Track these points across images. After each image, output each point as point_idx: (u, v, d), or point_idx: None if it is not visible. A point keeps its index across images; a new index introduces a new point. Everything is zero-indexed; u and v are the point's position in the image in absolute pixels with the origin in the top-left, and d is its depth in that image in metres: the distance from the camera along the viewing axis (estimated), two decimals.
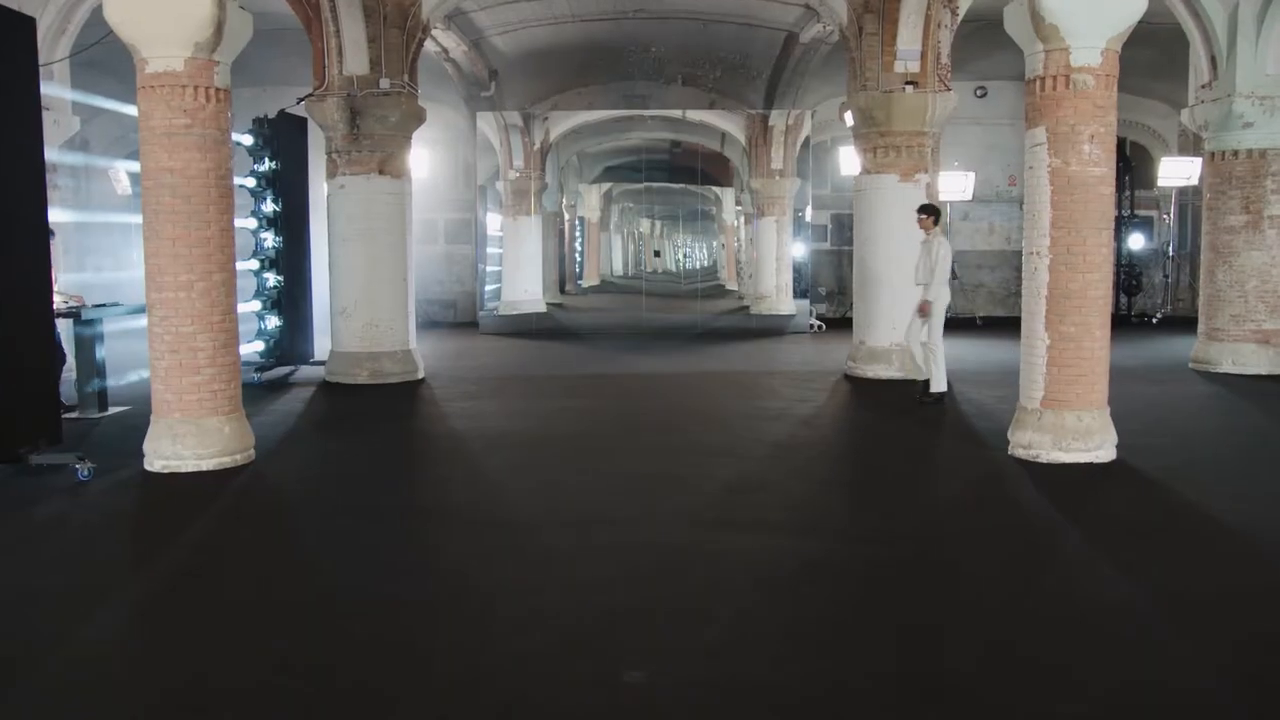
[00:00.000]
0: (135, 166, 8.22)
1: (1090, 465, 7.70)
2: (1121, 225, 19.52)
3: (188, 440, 7.65)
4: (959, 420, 9.93)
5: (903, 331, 12.08)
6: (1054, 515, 6.62)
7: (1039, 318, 7.87)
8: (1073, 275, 7.69)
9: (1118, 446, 7.92)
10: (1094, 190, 7.64)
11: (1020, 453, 7.98)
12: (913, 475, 7.82)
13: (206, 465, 7.68)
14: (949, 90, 12.20)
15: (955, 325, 18.27)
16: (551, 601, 5.00)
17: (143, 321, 7.92)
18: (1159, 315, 20.26)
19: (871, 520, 6.57)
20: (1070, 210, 7.65)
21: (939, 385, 10.75)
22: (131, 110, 7.97)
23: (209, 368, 7.72)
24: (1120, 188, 19.01)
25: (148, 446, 7.76)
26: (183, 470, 7.63)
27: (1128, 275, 20.28)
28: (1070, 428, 7.75)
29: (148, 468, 7.71)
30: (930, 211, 10.77)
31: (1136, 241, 20.52)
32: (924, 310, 10.68)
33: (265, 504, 7.14)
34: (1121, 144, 19.09)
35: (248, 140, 12.21)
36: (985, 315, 20.29)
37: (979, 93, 20.26)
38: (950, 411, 10.40)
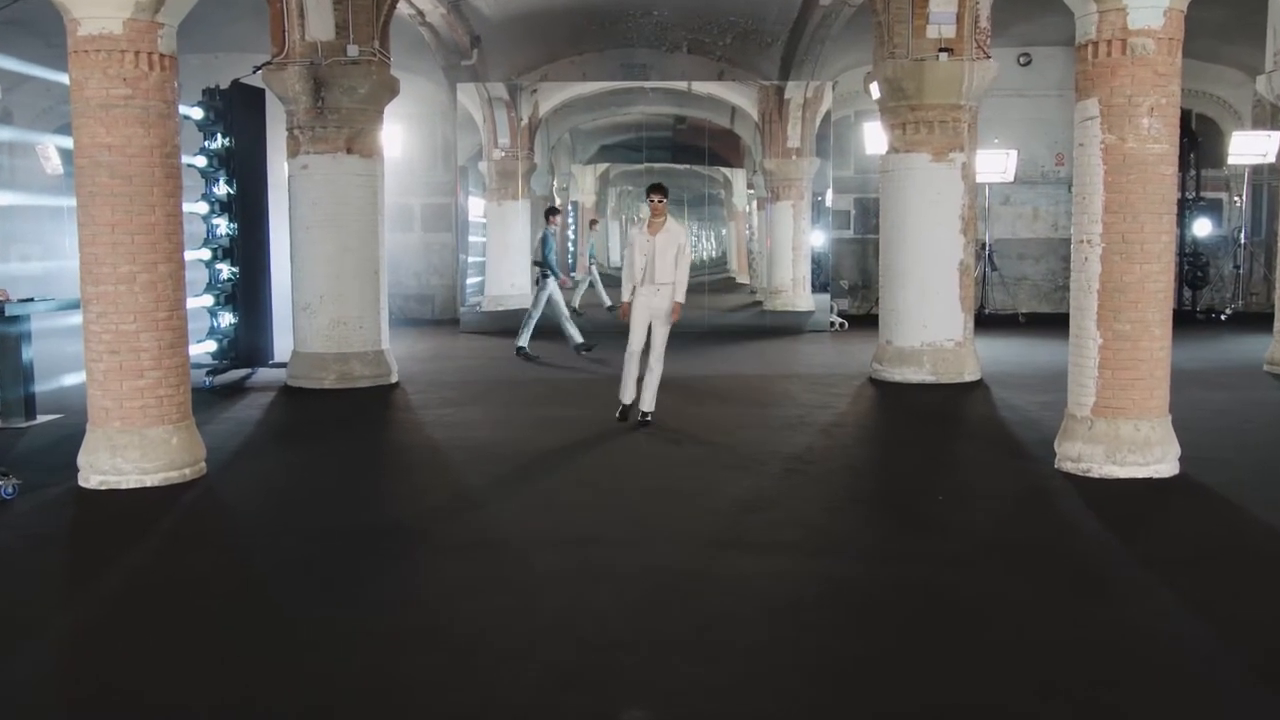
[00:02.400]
0: (67, 142, 8.19)
1: (1149, 481, 7.67)
2: (1185, 209, 19.48)
3: (129, 452, 7.61)
4: (999, 430, 9.91)
5: (934, 330, 12.07)
6: (1107, 537, 6.60)
7: (1090, 314, 7.84)
8: (1129, 266, 7.65)
9: (1180, 460, 7.88)
10: (1153, 170, 7.60)
11: (1069, 466, 7.95)
12: (946, 491, 7.79)
13: (151, 481, 7.64)
14: (988, 58, 12.16)
15: (995, 323, 18.32)
16: (542, 632, 4.98)
17: (77, 318, 7.90)
18: (1228, 311, 20.21)
19: (900, 541, 6.55)
20: (1126, 193, 7.61)
21: None
22: (62, 78, 7.93)
23: (154, 371, 7.69)
24: (1184, 167, 18.95)
25: (83, 460, 7.72)
26: (123, 486, 7.59)
27: (1192, 266, 20.22)
28: (1126, 438, 7.71)
29: (83, 484, 7.67)
30: None
31: (1202, 228, 20.44)
32: None
33: (217, 524, 7.11)
34: (1186, 117, 18.98)
35: (197, 114, 12.16)
36: (1028, 312, 20.25)
37: (1023, 60, 20.22)
38: (989, 420, 10.37)
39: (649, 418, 9.79)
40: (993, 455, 8.96)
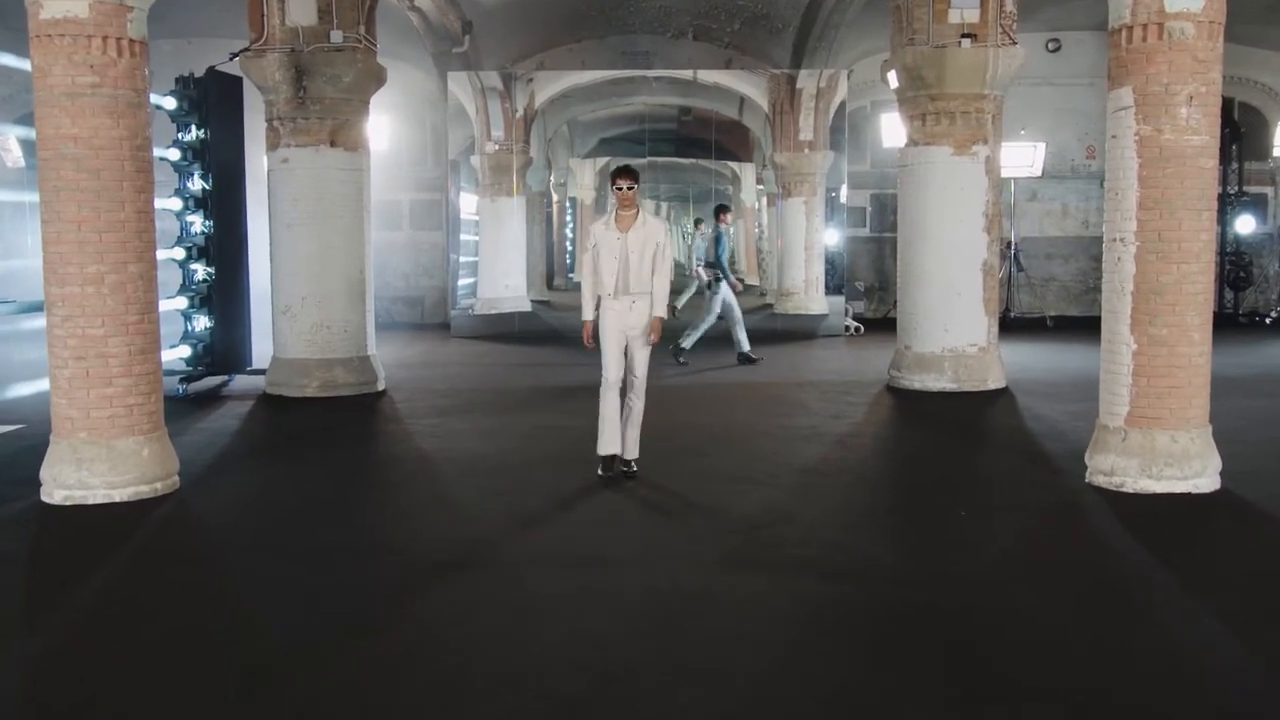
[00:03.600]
0: (30, 133, 8.15)
1: (1187, 496, 7.63)
2: (1226, 205, 19.45)
3: (96, 466, 7.58)
4: (1026, 441, 9.88)
5: (956, 335, 12.03)
6: (1143, 556, 6.56)
7: (1123, 318, 7.80)
8: (1165, 266, 7.62)
9: (1221, 473, 7.84)
10: (1192, 163, 7.57)
11: (1101, 480, 7.91)
12: (970, 507, 7.76)
13: (120, 495, 7.61)
14: (1014, 44, 12.14)
15: (1021, 327, 18.30)
16: (537, 658, 4.95)
17: (41, 322, 7.86)
18: (1274, 314, 20.17)
19: (921, 560, 6.52)
20: (1163, 188, 7.58)
21: None
22: (24, 65, 7.90)
23: (123, 378, 7.66)
24: (1225, 160, 18.93)
25: (46, 473, 7.69)
26: (90, 502, 7.56)
27: (1234, 266, 20.19)
28: (1162, 451, 7.67)
29: (46, 499, 7.64)
30: None
31: (1245, 225, 20.39)
32: None
33: (191, 542, 7.08)
34: (1228, 106, 19.01)
35: (170, 104, 12.15)
36: (1057, 315, 20.24)
37: (1051, 46, 20.21)
38: (1015, 431, 10.35)
39: (634, 468, 8.25)
40: (1019, 468, 8.93)
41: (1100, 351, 8.10)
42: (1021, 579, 6.14)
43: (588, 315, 8.16)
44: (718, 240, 14.57)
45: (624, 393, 8.17)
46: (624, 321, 8.00)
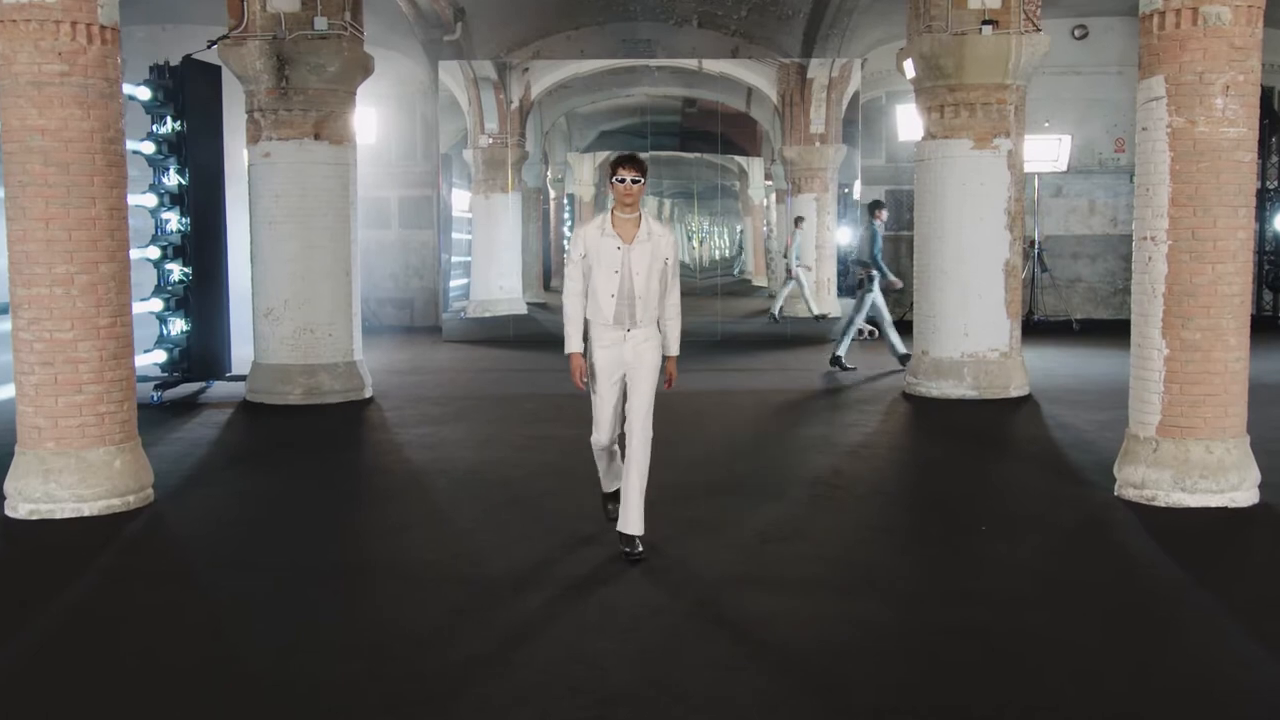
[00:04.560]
0: None
1: (1224, 510, 7.60)
2: (1265, 202, 19.42)
3: (65, 477, 7.57)
4: (1051, 452, 9.87)
5: (977, 339, 11.99)
6: (1177, 574, 6.54)
7: (1154, 321, 7.78)
8: (1199, 267, 7.59)
9: (1260, 486, 7.82)
10: (1228, 157, 7.54)
11: (1130, 493, 7.89)
12: (991, 522, 7.72)
13: (90, 509, 7.59)
14: (1038, 30, 12.12)
15: (1047, 330, 18.28)
16: (533, 682, 4.93)
17: (5, 325, 7.85)
18: None
19: (940, 579, 6.51)
20: (1196, 183, 7.56)
21: None
22: None
23: (94, 385, 7.65)
24: (1264, 153, 18.90)
25: (10, 486, 7.68)
26: (58, 516, 7.54)
27: (1273, 266, 20.16)
28: (1196, 462, 7.65)
29: (10, 514, 7.63)
30: None
31: None
32: None
33: (166, 559, 7.06)
34: (1267, 96, 18.92)
35: (144, 94, 12.15)
36: (1083, 318, 20.20)
37: (1078, 33, 20.19)
38: (1040, 441, 10.33)
39: (639, 548, 6.67)
40: (1044, 481, 8.91)
41: (1130, 357, 8.07)
42: (1047, 598, 6.11)
43: (574, 346, 6.67)
44: (873, 238, 14.48)
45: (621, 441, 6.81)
46: (623, 357, 6.62)
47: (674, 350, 6.80)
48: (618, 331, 6.57)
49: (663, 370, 6.72)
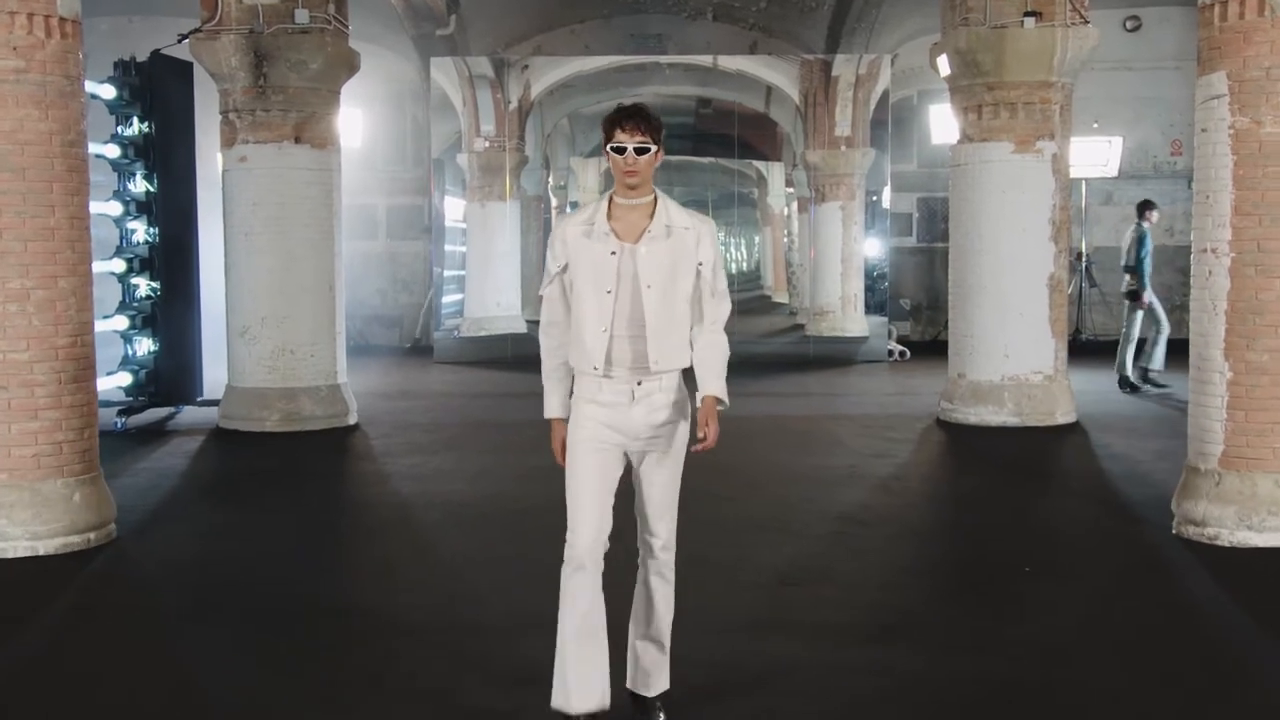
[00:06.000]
0: None
1: None
2: None
3: (18, 512, 7.53)
4: (1101, 485, 9.86)
5: (1018, 360, 11.95)
6: (1243, 621, 6.49)
7: (1215, 341, 7.75)
8: (1266, 282, 7.56)
9: None
10: None
11: (1191, 531, 7.84)
12: (1036, 562, 7.69)
13: (45, 548, 7.55)
14: (1086, 23, 12.10)
15: (1095, 351, 18.20)
16: None
17: None
18: None
19: (979, 626, 6.47)
20: (1263, 189, 7.52)
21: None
22: None
23: (51, 410, 7.63)
24: None
25: None
26: (10, 555, 7.49)
27: None
28: (1264, 497, 7.60)
29: None
30: None
31: None
32: None
33: (129, 602, 7.03)
34: None
35: (108, 92, 12.14)
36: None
37: (1130, 25, 20.20)
38: (1088, 473, 10.30)
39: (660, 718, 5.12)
40: (1093, 517, 8.89)
41: (1188, 380, 8.04)
42: (1095, 648, 6.06)
43: (554, 409, 5.08)
44: (1140, 241, 14.40)
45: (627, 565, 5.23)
46: (627, 424, 4.84)
47: (714, 387, 4.86)
48: (618, 386, 4.79)
49: (693, 427, 4.93)
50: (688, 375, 4.86)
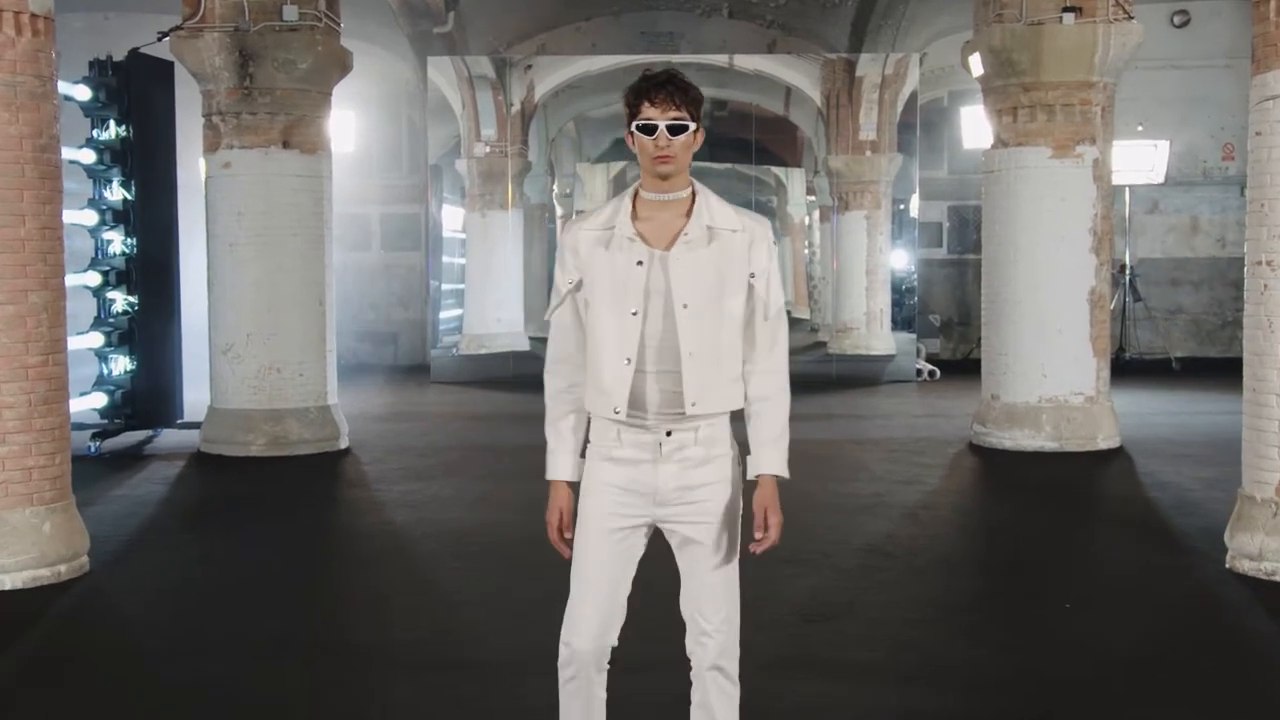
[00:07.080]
0: None
1: None
2: None
3: None
4: (1147, 515, 9.84)
5: (1057, 381, 11.92)
6: None
7: (1272, 361, 7.73)
8: None
9: None
10: None
11: (1246, 566, 7.81)
12: (1076, 597, 7.67)
13: (13, 581, 7.54)
14: (1130, 18, 12.10)
15: (1140, 370, 18.20)
16: None
17: None
18: None
19: (1016, 665, 6.45)
20: None
21: None
22: None
23: (20, 434, 7.62)
24: None
25: None
26: None
27: None
28: None
29: None
30: None
31: None
32: None
33: (103, 638, 7.02)
34: None
35: (83, 94, 12.21)
36: (1184, 356, 20.14)
37: (1177, 20, 20.21)
38: (1133, 502, 10.28)
39: None
40: (1138, 549, 8.88)
41: (1242, 403, 8.02)
42: (1142, 690, 6.04)
43: (560, 470, 4.45)
44: None
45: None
46: (649, 487, 4.10)
47: (772, 462, 4.20)
48: (641, 437, 4.05)
49: (740, 507, 4.18)
50: (736, 420, 4.16)
